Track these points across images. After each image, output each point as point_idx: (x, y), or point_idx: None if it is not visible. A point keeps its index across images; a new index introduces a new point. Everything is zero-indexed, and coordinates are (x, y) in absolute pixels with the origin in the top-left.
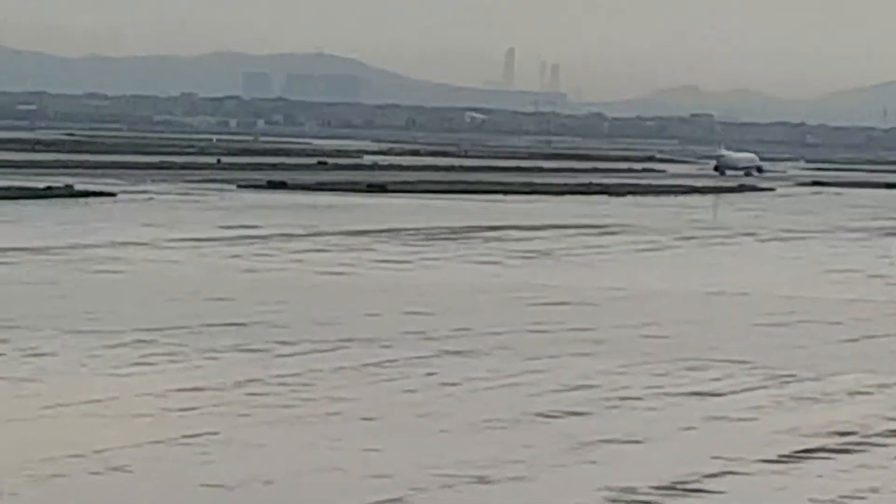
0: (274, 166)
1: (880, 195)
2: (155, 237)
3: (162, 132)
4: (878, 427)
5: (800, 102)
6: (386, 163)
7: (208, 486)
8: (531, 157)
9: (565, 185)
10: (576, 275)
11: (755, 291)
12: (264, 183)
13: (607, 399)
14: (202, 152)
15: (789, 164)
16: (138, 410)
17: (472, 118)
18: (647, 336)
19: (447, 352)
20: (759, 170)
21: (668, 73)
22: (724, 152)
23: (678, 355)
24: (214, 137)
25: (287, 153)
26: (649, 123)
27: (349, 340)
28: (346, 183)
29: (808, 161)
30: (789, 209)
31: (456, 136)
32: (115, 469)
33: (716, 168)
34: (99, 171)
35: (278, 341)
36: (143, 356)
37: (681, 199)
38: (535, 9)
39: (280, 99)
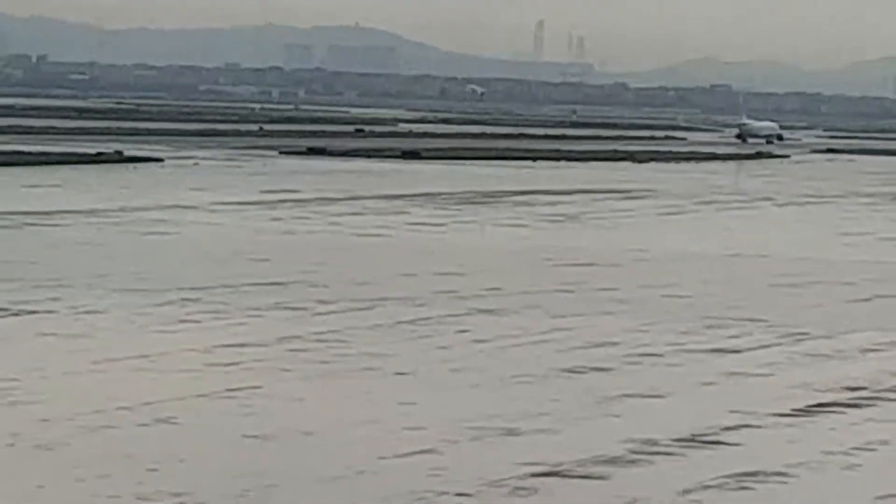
0: (313, 134)
1: (891, 162)
2: (200, 201)
3: (207, 101)
4: (887, 383)
5: (816, 74)
6: (420, 130)
7: (250, 437)
8: (559, 124)
9: (591, 151)
10: (601, 237)
11: (772, 253)
12: (304, 149)
13: (630, 356)
14: (245, 120)
15: (805, 132)
16: (184, 365)
17: (473, 90)
18: (669, 296)
19: (478, 310)
20: (780, 137)
21: (689, 45)
22: (746, 121)
23: (698, 314)
24: (257, 106)
25: (326, 121)
26: (671, 93)
27: (384, 299)
28: (382, 150)
29: (824, 129)
30: (805, 175)
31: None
32: (162, 421)
33: (738, 136)
34: (147, 138)
35: (317, 300)
36: (189, 314)
37: (702, 165)
38: None
39: (319, 69)
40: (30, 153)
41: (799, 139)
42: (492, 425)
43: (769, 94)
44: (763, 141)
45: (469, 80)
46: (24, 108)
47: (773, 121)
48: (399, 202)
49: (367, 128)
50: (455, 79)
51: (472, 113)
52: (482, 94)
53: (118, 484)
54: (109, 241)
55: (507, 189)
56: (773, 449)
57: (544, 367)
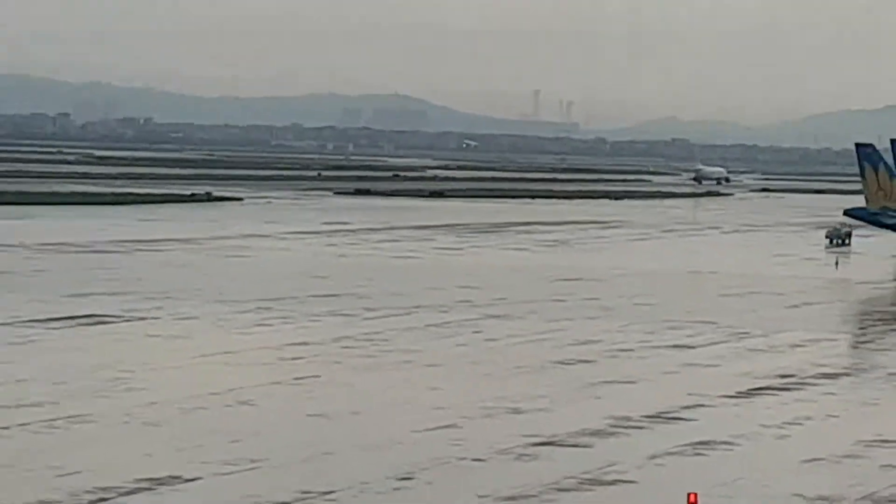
0: (360, 178)
1: (813, 199)
2: (272, 231)
3: (277, 153)
4: (811, 371)
5: (754, 129)
6: (444, 175)
7: (312, 415)
8: (552, 170)
9: (577, 191)
10: (586, 258)
11: (720, 270)
12: (353, 190)
13: (609, 351)
14: (307, 167)
15: (746, 175)
16: (260, 360)
17: (467, 144)
18: (639, 304)
19: (490, 315)
20: (728, 180)
21: (654, 108)
22: (701, 167)
23: (662, 318)
24: (316, 157)
25: (370, 168)
26: (640, 145)
27: (417, 307)
28: (414, 190)
29: (761, 173)
30: (745, 209)
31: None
32: (243, 403)
33: (694, 179)
34: (230, 182)
35: (363, 308)
36: (264, 319)
37: (665, 201)
38: (556, 60)
39: (365, 128)
40: (139, 194)
41: (741, 181)
42: (500, 405)
43: (717, 146)
44: (714, 182)
45: (471, 137)
46: (135, 160)
47: (721, 166)
48: (427, 231)
49: (402, 173)
50: (470, 134)
51: (483, 162)
52: (475, 146)
53: (209, 452)
54: (202, 262)
55: (512, 221)
56: (722, 423)
57: (541, 359)
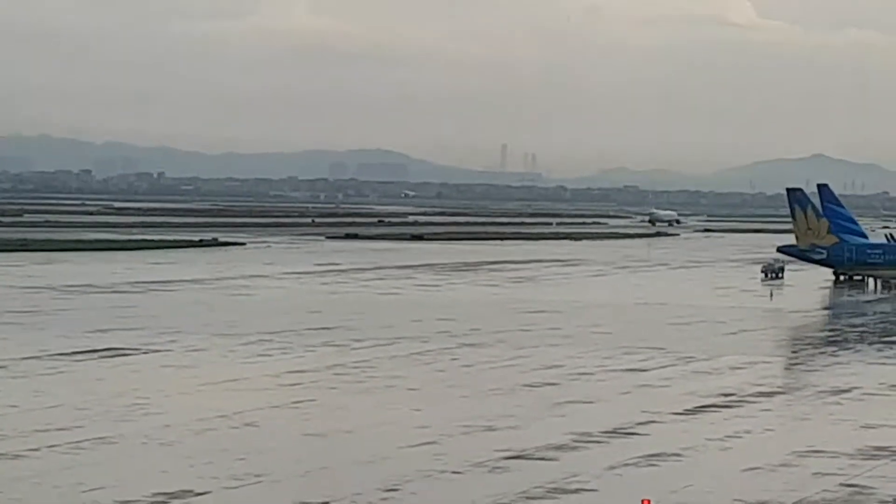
0: (349, 224)
1: (749, 238)
2: (272, 271)
3: (275, 202)
4: (749, 390)
5: (696, 177)
6: (423, 220)
7: (309, 434)
8: (519, 215)
9: (541, 233)
10: (549, 292)
11: (668, 301)
12: (343, 234)
13: (571, 374)
14: (302, 215)
15: (690, 217)
16: (262, 385)
17: (406, 194)
18: (597, 332)
19: (465, 344)
20: (678, 222)
21: (608, 158)
22: (654, 210)
23: (617, 344)
24: (310, 206)
25: (358, 215)
26: (596, 192)
27: (400, 338)
28: (397, 234)
29: (707, 216)
30: (690, 247)
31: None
32: (248, 424)
33: (649, 221)
34: (234, 229)
35: (353, 339)
36: (265, 350)
37: (618, 241)
38: (521, 117)
39: (353, 179)
40: (153, 240)
41: (685, 222)
42: (476, 423)
43: (663, 192)
44: (667, 224)
45: (446, 186)
46: (148, 210)
47: (673, 210)
48: (409, 270)
49: (386, 219)
50: (446, 184)
51: (458, 208)
52: (413, 195)
53: (218, 469)
54: (209, 300)
55: (484, 260)
56: (672, 437)
57: (511, 382)
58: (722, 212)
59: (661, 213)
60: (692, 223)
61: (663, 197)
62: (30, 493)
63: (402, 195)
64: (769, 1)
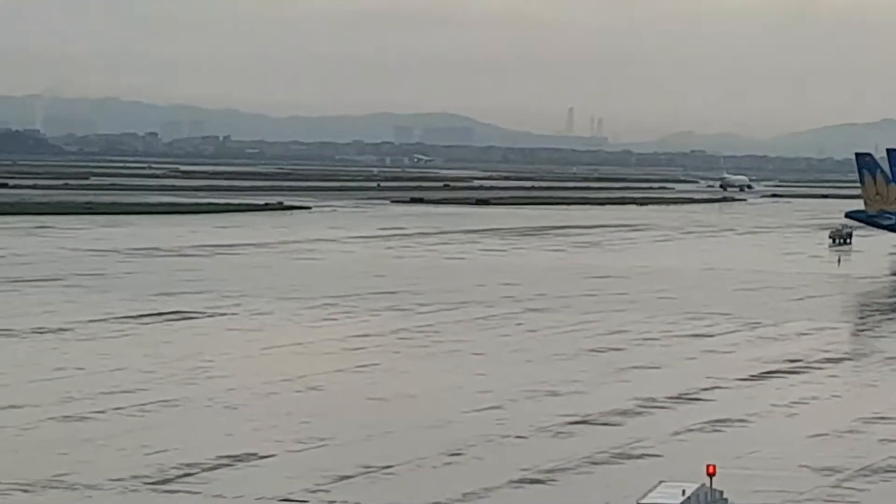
0: (415, 188)
1: (817, 203)
2: (337, 235)
3: (341, 166)
4: (816, 356)
5: (763, 141)
6: (489, 185)
7: (373, 399)
8: (584, 180)
9: (607, 197)
10: (615, 257)
11: (734, 267)
12: (408, 199)
13: (636, 339)
14: (367, 179)
15: (757, 182)
16: (326, 349)
17: (419, 158)
18: (662, 297)
19: (530, 309)
20: (750, 187)
21: (675, 122)
22: (726, 175)
23: (683, 310)
24: (376, 170)
25: (423, 179)
26: (662, 157)
27: (465, 302)
28: (462, 198)
29: (779, 180)
30: (757, 213)
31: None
32: (312, 388)
33: (720, 186)
34: (299, 193)
35: (418, 303)
36: (330, 314)
37: (684, 207)
38: (587, 81)
39: (419, 143)
40: (219, 204)
41: (756, 188)
42: (540, 388)
43: (730, 156)
44: (738, 189)
45: (512, 150)
46: (214, 174)
47: (744, 175)
48: (475, 235)
49: (451, 183)
50: (512, 148)
51: (525, 172)
52: (427, 160)
53: (282, 432)
54: (274, 264)
55: (549, 224)
56: (737, 403)
57: (576, 347)
58: (790, 177)
59: (733, 177)
60: (758, 188)
61: (730, 162)
62: (96, 455)
63: (415, 160)
64: None
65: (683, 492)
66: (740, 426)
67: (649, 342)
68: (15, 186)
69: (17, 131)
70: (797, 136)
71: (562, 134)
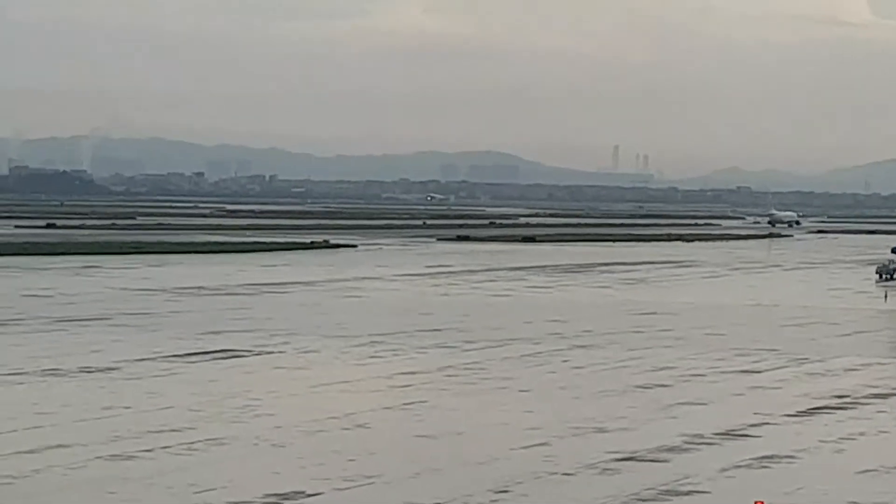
0: (460, 226)
1: (863, 239)
2: (383, 273)
3: (387, 205)
4: (864, 392)
5: (809, 177)
6: (534, 222)
7: (420, 436)
8: (630, 217)
9: (653, 234)
10: (661, 294)
11: (781, 303)
12: (454, 237)
13: (683, 376)
14: (413, 217)
15: (802, 219)
16: (373, 387)
17: (432, 197)
18: (709, 334)
19: (577, 346)
20: (798, 223)
21: (720, 158)
22: (774, 211)
23: (730, 346)
24: (430, 197)
25: (469, 217)
26: (708, 193)
27: (512, 339)
28: (508, 236)
29: (828, 216)
30: (803, 249)
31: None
32: (359, 426)
33: (769, 222)
34: (346, 231)
35: (464, 340)
36: (376, 352)
37: (731, 243)
38: (633, 118)
39: (464, 181)
40: (265, 242)
41: (804, 224)
42: (587, 425)
43: (776, 193)
44: (786, 225)
45: (556, 188)
46: (261, 212)
47: (792, 211)
48: (521, 272)
49: (497, 221)
50: (557, 185)
51: (571, 209)
52: (440, 199)
53: (329, 470)
54: (320, 302)
55: (596, 261)
56: (784, 439)
57: (623, 384)
58: (836, 213)
59: (782, 214)
60: (804, 224)
61: (776, 198)
62: (143, 494)
63: (428, 198)
64: None
65: None
66: (788, 462)
67: (696, 378)
68: (62, 227)
69: (64, 172)
70: (843, 172)
71: (607, 171)
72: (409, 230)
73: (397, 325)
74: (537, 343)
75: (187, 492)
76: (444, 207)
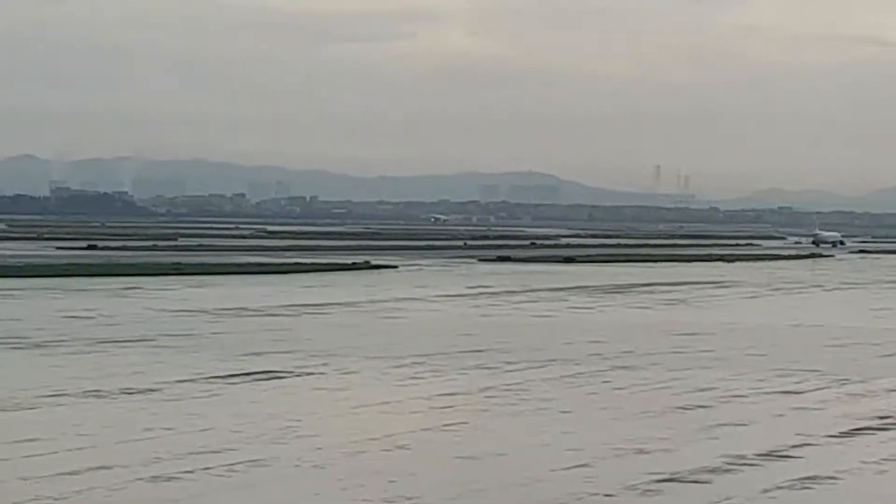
0: (501, 246)
1: None
2: (424, 294)
3: (427, 226)
4: None
5: (851, 198)
6: (575, 243)
7: (461, 457)
8: (671, 237)
9: (694, 254)
10: (702, 314)
11: (823, 323)
12: (495, 257)
13: (724, 397)
14: (454, 238)
15: (851, 239)
16: (414, 408)
17: (436, 218)
18: (750, 354)
19: (617, 367)
20: (842, 243)
21: (762, 178)
22: (818, 231)
23: (771, 367)
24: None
25: (510, 238)
26: (749, 213)
27: (552, 360)
28: (549, 256)
29: (872, 237)
30: (845, 269)
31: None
32: (400, 447)
33: (813, 242)
34: (386, 252)
35: (505, 361)
36: (417, 373)
37: (772, 263)
38: (674, 138)
39: (504, 202)
40: (306, 263)
41: (848, 244)
42: (628, 446)
43: (818, 213)
44: (830, 245)
45: (596, 209)
46: (301, 234)
47: (836, 231)
48: (562, 293)
49: (538, 241)
50: (598, 206)
51: (611, 230)
52: (444, 220)
53: (370, 491)
54: (361, 323)
55: (636, 282)
56: (827, 460)
57: (663, 405)
58: (878, 233)
59: (826, 234)
60: (850, 244)
61: (819, 218)
62: None
63: (432, 220)
64: None
65: None
66: (830, 483)
67: (738, 399)
68: (104, 248)
69: (105, 193)
70: (885, 193)
71: (648, 191)
72: (449, 251)
73: (438, 346)
74: (578, 364)
75: None
76: (485, 227)
